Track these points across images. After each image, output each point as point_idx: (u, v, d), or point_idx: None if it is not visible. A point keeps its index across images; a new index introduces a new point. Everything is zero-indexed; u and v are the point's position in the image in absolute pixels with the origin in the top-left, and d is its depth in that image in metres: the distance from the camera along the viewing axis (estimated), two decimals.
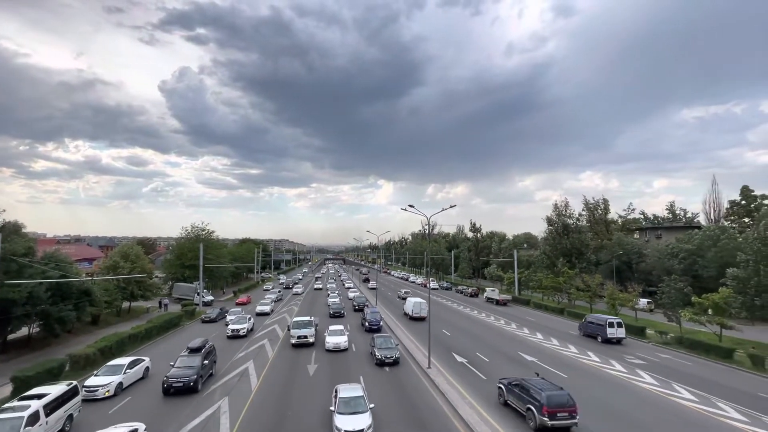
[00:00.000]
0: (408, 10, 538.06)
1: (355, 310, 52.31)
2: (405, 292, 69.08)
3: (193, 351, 24.58)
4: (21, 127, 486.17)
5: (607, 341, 35.75)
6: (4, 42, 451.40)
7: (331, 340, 31.47)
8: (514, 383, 20.02)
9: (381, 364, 27.68)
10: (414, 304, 47.52)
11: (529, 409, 18.12)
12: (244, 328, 37.99)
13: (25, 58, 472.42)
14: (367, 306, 49.39)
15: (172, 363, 23.88)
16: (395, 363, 27.86)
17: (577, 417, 17.42)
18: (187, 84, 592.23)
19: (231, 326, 38.25)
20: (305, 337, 32.69)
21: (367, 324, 39.17)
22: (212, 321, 45.84)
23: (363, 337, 36.90)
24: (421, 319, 44.98)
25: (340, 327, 34.55)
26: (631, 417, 19.54)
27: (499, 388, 21.04)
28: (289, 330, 34.46)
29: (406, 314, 49.16)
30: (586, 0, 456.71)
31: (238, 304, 57.69)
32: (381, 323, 39.83)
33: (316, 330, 34.78)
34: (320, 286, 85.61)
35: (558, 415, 17.10)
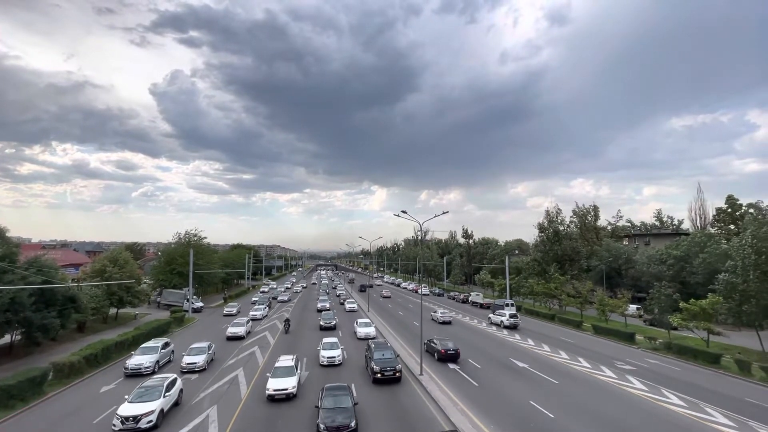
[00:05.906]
0: (404, 16, 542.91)
1: (376, 380, 25.04)
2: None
3: None
4: (6, 130, 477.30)
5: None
6: None
7: None
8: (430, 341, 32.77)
9: None
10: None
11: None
12: (151, 415, 18.10)
13: (16, 60, 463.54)
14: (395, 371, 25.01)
15: None
16: None
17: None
18: (179, 87, 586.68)
19: (124, 407, 18.45)
20: None
21: None
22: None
23: None
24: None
25: None
26: (620, 422, 19.63)
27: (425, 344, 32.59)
28: None
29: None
30: (579, 10, 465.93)
31: None
32: None
33: None
34: (289, 364, 24.14)
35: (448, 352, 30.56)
